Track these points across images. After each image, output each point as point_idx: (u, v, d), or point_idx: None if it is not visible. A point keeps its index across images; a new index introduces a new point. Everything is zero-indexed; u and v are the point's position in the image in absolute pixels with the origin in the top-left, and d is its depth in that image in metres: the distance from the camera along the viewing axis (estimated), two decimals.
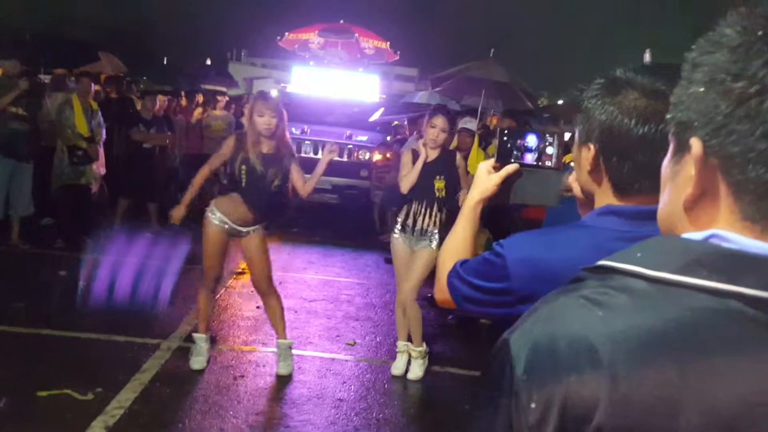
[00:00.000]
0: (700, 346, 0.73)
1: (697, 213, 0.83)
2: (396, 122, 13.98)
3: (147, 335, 5.84)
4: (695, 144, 0.79)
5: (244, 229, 5.30)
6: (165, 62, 22.01)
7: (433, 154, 5.59)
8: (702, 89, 0.79)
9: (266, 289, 5.51)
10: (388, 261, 9.99)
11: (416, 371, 5.63)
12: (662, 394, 0.72)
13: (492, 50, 11.19)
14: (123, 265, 7.36)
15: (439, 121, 5.54)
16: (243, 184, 5.14)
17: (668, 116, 0.86)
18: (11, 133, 8.04)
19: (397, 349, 5.78)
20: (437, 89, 12.55)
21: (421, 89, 23.83)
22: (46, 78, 10.64)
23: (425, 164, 5.57)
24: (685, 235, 0.82)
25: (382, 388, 5.43)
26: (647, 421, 0.72)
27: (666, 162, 0.89)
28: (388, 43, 18.61)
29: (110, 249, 7.79)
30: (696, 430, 0.72)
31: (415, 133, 11.22)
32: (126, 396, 4.72)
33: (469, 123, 8.41)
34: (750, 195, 0.77)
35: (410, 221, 5.58)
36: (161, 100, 10.81)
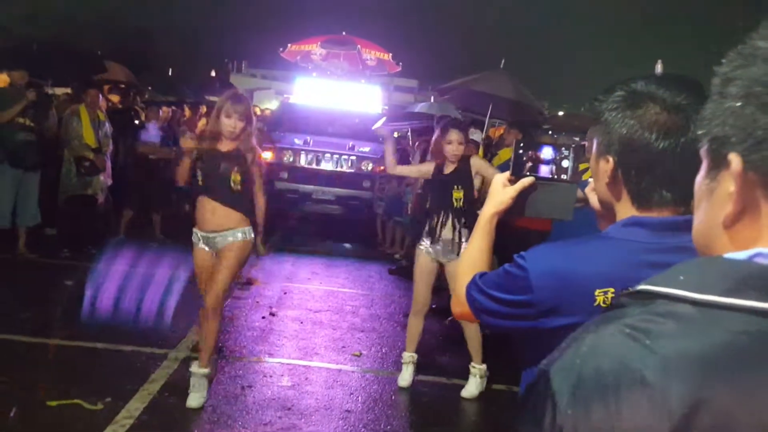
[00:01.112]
0: (756, 371, 0.70)
1: (737, 231, 0.80)
2: (398, 133, 14.00)
3: (154, 345, 5.87)
4: (734, 159, 0.77)
5: (219, 236, 4.88)
6: (170, 73, 22.05)
7: (451, 167, 5.63)
8: (739, 104, 0.77)
9: (215, 306, 4.92)
10: (392, 272, 10.03)
11: (473, 390, 5.61)
12: (720, 423, 0.69)
13: (503, 61, 11.15)
14: (129, 274, 7.38)
15: (455, 136, 5.54)
16: (200, 182, 4.89)
17: (700, 132, 0.84)
18: (18, 143, 8.09)
19: (402, 360, 5.78)
20: (446, 97, 12.55)
21: (421, 100, 23.86)
22: (53, 89, 10.65)
23: (444, 176, 5.62)
24: (728, 255, 0.79)
25: (390, 399, 5.44)
26: None
27: (700, 179, 0.87)
28: (390, 54, 18.67)
29: (116, 259, 7.80)
30: None
31: (416, 144, 11.25)
32: (135, 406, 4.74)
33: (475, 134, 8.44)
34: None
35: (437, 233, 5.58)
36: (165, 112, 10.85)
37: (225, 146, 4.89)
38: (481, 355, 5.65)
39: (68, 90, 11.24)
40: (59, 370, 5.20)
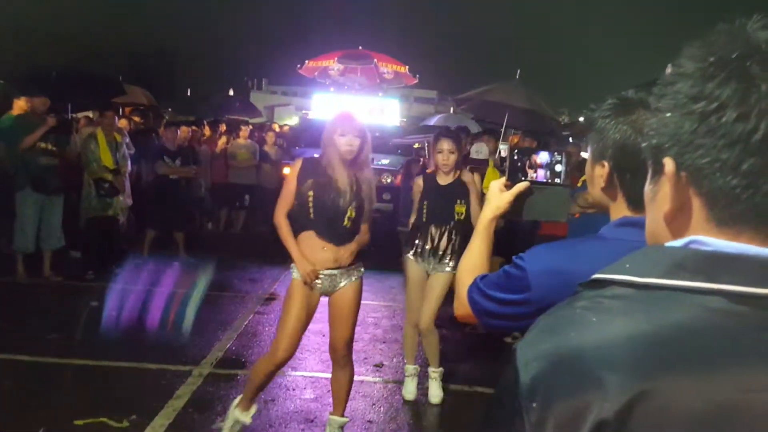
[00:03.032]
0: (689, 344, 0.79)
1: (677, 225, 0.90)
2: (417, 144, 14.09)
3: (179, 362, 5.94)
4: (668, 163, 0.88)
5: (337, 272, 4.43)
6: (189, 94, 22.32)
7: (448, 179, 5.55)
8: (668, 114, 0.88)
9: (343, 356, 4.64)
10: None
11: (437, 392, 5.62)
12: (653, 394, 0.77)
13: (518, 71, 11.20)
14: (152, 293, 7.47)
15: (444, 144, 5.47)
16: (311, 214, 4.34)
17: (643, 145, 0.95)
18: (41, 168, 8.24)
19: (406, 373, 5.75)
20: (462, 107, 12.61)
21: (441, 111, 23.95)
22: (75, 115, 10.83)
23: (442, 187, 5.54)
24: (668, 244, 0.90)
25: (411, 409, 5.48)
26: (641, 421, 0.76)
27: (646, 187, 0.97)
28: (407, 67, 18.74)
29: (140, 278, 7.91)
30: (691, 426, 0.77)
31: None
32: (160, 422, 4.80)
33: (481, 152, 8.44)
34: (721, 202, 0.84)
35: (428, 245, 5.52)
36: (184, 132, 10.97)
37: (341, 174, 4.34)
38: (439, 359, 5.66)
39: (88, 114, 11.43)
40: (85, 390, 5.29)
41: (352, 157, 4.30)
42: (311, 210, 4.32)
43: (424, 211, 5.58)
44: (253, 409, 4.59)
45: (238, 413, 4.55)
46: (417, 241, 5.61)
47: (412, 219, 5.71)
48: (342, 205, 4.30)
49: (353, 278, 4.49)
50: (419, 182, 5.71)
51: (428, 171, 5.77)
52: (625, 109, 1.61)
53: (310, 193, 4.30)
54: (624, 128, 1.59)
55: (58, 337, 6.38)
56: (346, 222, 4.35)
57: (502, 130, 9.94)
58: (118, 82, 12.36)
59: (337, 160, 4.31)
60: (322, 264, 4.36)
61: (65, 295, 8.09)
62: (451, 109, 23.82)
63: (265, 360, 4.54)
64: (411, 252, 5.65)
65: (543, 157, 1.90)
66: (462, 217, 5.51)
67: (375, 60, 18.01)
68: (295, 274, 4.40)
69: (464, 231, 5.43)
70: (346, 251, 4.40)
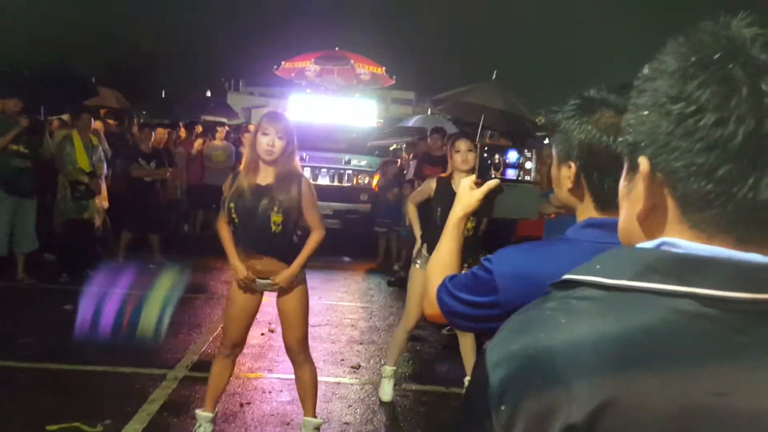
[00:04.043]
0: (659, 347, 0.79)
1: (650, 225, 0.89)
2: (395, 145, 14.09)
3: (153, 366, 5.89)
4: (643, 162, 0.86)
5: (266, 282, 4.39)
6: (163, 95, 22.12)
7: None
8: (646, 112, 0.86)
9: (298, 355, 4.59)
10: (391, 283, 10.06)
11: None
12: (623, 398, 0.77)
13: (495, 72, 11.22)
14: (127, 296, 7.39)
15: (462, 145, 5.31)
16: (236, 222, 4.29)
17: (620, 140, 0.94)
18: (13, 170, 8.15)
19: (383, 374, 5.71)
20: (440, 107, 12.63)
21: (419, 112, 23.97)
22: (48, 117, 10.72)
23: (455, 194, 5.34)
24: (639, 245, 0.89)
25: (388, 410, 5.46)
26: (610, 425, 0.77)
27: (621, 182, 0.96)
28: (384, 68, 18.75)
29: (114, 281, 7.83)
30: (661, 429, 0.77)
31: (410, 156, 11.33)
32: (134, 427, 4.76)
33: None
34: (694, 205, 0.83)
35: None
36: (160, 134, 10.89)
37: (264, 178, 4.25)
38: None
39: (62, 116, 11.32)
40: (59, 394, 5.23)
41: (272, 158, 4.18)
42: (235, 219, 4.27)
43: (438, 216, 5.33)
44: (216, 409, 4.64)
45: (200, 412, 4.59)
46: (425, 252, 5.40)
47: (417, 231, 5.64)
48: (262, 209, 4.18)
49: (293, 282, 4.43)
50: (431, 185, 5.54)
51: (443, 175, 5.56)
52: (588, 109, 1.61)
53: (232, 204, 4.24)
54: (588, 128, 1.59)
55: (31, 341, 6.31)
56: (274, 228, 4.22)
57: (479, 131, 9.94)
58: (90, 84, 12.24)
59: (257, 162, 4.24)
60: (258, 274, 4.35)
61: (39, 298, 8.00)
62: (429, 111, 23.88)
63: (217, 358, 4.65)
64: (419, 264, 5.46)
65: (511, 156, 1.90)
66: (470, 233, 4.99)
67: (352, 61, 18.01)
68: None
69: (472, 245, 4.78)
70: (286, 274, 4.34)
